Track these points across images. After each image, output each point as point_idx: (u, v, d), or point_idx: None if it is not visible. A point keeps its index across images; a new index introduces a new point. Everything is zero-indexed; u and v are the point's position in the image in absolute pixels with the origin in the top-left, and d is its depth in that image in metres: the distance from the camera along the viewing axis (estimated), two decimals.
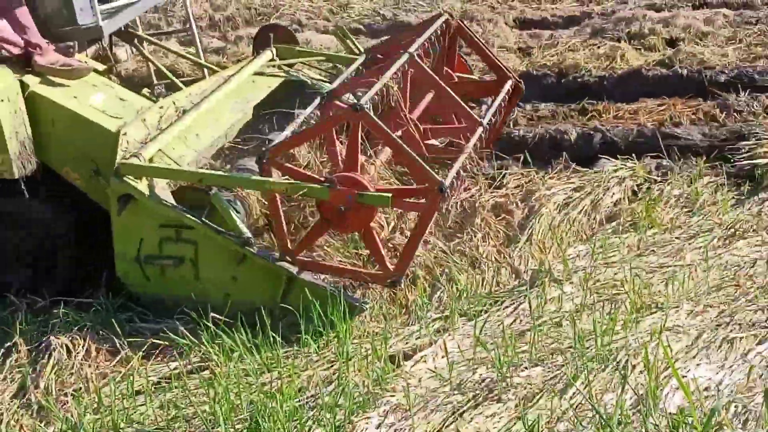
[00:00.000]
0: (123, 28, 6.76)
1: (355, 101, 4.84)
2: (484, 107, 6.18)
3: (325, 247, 5.39)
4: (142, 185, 4.97)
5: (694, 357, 4.21)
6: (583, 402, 3.89)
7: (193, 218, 4.94)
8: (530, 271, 5.36)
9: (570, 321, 4.62)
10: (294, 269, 4.96)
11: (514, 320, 4.82)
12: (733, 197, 6.15)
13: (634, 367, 4.09)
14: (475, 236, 5.69)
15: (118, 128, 5.22)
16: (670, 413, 3.67)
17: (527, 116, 7.92)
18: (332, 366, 4.48)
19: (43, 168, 5.39)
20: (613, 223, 6.00)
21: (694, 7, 10.56)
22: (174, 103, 5.72)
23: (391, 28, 10.75)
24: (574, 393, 3.96)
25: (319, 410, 4.04)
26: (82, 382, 4.60)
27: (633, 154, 6.83)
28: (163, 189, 5.10)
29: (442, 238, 5.71)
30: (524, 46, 9.84)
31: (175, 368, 4.62)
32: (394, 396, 4.14)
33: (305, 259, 5.07)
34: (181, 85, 7.21)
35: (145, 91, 7.30)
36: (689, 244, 5.55)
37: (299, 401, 4.17)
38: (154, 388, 4.53)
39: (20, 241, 5.67)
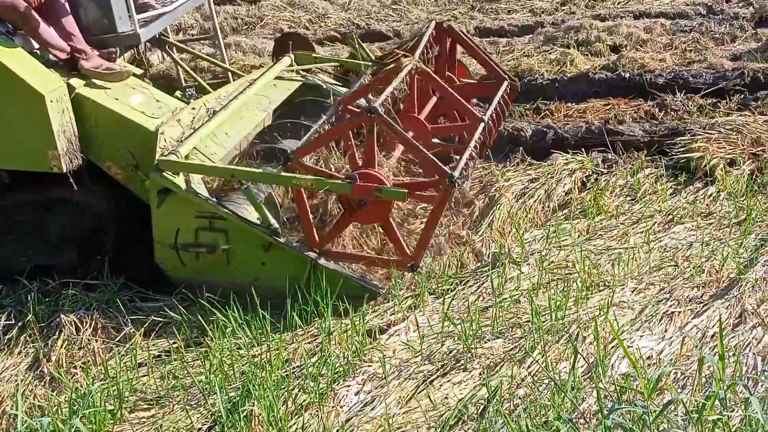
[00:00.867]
0: (156, 36, 6.73)
1: (369, 105, 4.83)
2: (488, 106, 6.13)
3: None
4: (179, 180, 4.94)
5: (637, 330, 4.24)
6: (539, 370, 3.92)
7: (224, 209, 4.92)
8: (492, 253, 5.36)
9: (527, 298, 4.64)
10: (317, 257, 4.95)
11: (478, 297, 4.82)
12: (671, 187, 6.15)
13: (584, 338, 4.12)
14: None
15: (156, 127, 5.22)
16: (617, 379, 3.71)
17: None
18: (315, 339, 4.49)
19: (88, 162, 5.37)
20: (565, 211, 6.01)
21: (635, 17, 10.56)
22: (204, 104, 5.71)
23: (364, 36, 10.74)
24: (531, 362, 3.99)
25: (304, 379, 4.05)
26: (90, 356, 4.59)
27: (582, 149, 6.83)
28: (198, 183, 5.08)
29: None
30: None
31: (173, 342, 4.62)
32: (371, 366, 4.15)
33: (333, 250, 5.06)
34: (208, 87, 7.21)
35: (178, 93, 7.27)
36: (633, 228, 5.57)
37: (286, 371, 4.18)
38: (155, 360, 4.53)
39: (68, 226, 5.68)
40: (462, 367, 4.07)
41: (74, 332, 4.74)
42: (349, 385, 4.00)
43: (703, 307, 4.41)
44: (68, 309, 4.98)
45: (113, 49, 5.82)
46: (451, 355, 4.18)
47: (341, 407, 3.85)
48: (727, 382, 3.44)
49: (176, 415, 3.99)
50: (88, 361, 4.55)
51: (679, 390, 3.65)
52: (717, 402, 3.23)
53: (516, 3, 11.97)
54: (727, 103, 7.52)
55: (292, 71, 6.64)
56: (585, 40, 9.69)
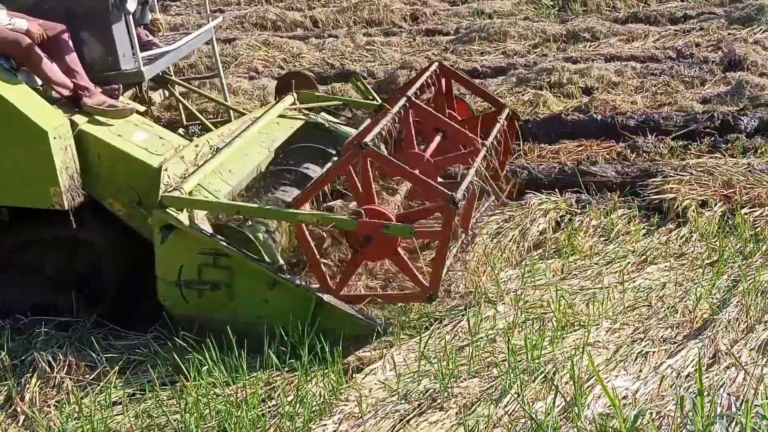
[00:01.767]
0: (159, 73, 6.74)
1: (360, 141, 4.87)
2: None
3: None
4: (183, 216, 4.91)
5: (613, 369, 4.26)
6: (516, 409, 3.92)
7: (229, 246, 4.89)
8: (467, 292, 5.37)
9: (503, 337, 4.65)
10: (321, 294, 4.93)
11: (454, 336, 4.82)
12: (644, 227, 6.20)
13: (561, 378, 4.13)
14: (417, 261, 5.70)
15: (160, 164, 5.21)
16: (596, 418, 3.72)
17: None
18: (292, 379, 4.47)
19: (90, 199, 5.34)
20: (540, 250, 6.02)
21: (606, 60, 10.68)
22: (208, 141, 5.71)
23: (338, 76, 10.80)
24: (508, 401, 3.99)
25: (280, 418, 4.03)
26: (64, 394, 4.54)
27: (555, 189, 6.88)
28: (202, 220, 5.06)
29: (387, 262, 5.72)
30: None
31: (148, 381, 4.58)
32: (347, 405, 4.14)
33: (348, 294, 5.04)
34: (209, 125, 7.28)
35: (181, 130, 7.27)
36: (606, 268, 5.60)
37: (262, 410, 4.15)
38: (130, 399, 4.48)
39: (67, 265, 5.64)
40: (439, 406, 4.06)
41: (48, 370, 4.69)
42: (325, 425, 3.99)
43: (677, 347, 4.44)
44: (41, 347, 4.93)
45: (116, 86, 5.82)
46: (427, 394, 4.17)
47: None
48: (704, 421, 3.46)
49: None
50: (62, 399, 4.51)
51: (657, 429, 3.66)
52: None
53: (489, 45, 12.07)
54: (697, 145, 7.63)
55: (295, 109, 6.67)
56: (557, 82, 9.78)
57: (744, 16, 11.96)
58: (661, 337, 4.58)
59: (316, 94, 7.03)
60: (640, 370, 4.24)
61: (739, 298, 4.91)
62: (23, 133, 5.02)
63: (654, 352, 4.40)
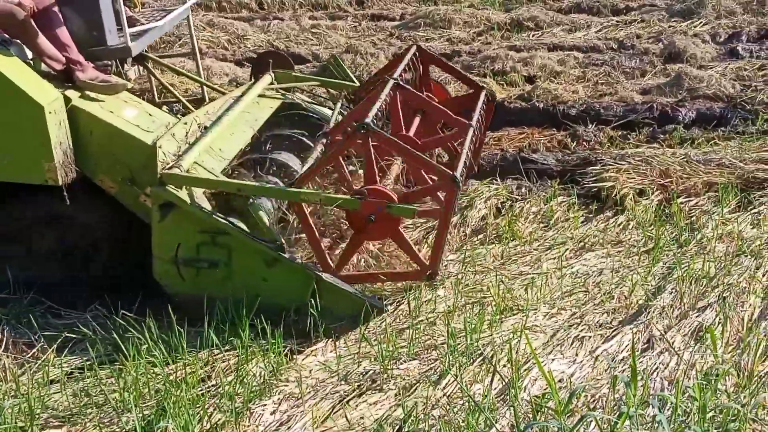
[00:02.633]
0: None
1: (361, 123, 4.86)
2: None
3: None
4: (182, 194, 4.85)
5: (550, 353, 4.33)
6: (455, 391, 3.97)
7: (229, 224, 4.85)
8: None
9: (443, 320, 4.70)
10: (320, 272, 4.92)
11: (395, 319, 4.86)
12: (583, 215, 6.31)
13: (499, 361, 4.19)
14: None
15: (154, 141, 5.12)
16: (533, 399, 3.78)
17: None
18: (232, 358, 4.46)
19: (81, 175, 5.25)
20: (481, 236, 6.09)
21: (549, 50, 10.79)
22: (195, 119, 5.65)
23: None
24: (447, 383, 4.04)
25: (220, 398, 4.03)
26: (1, 372, 4.48)
27: (497, 176, 6.97)
28: (201, 197, 5.00)
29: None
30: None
31: (87, 359, 4.54)
32: (287, 386, 4.15)
33: (348, 274, 5.05)
34: (186, 103, 7.22)
35: (165, 108, 7.17)
36: (545, 254, 5.69)
37: (202, 390, 4.15)
38: (68, 377, 4.44)
39: (58, 241, 5.53)
40: (378, 387, 4.09)
41: None
42: (265, 405, 3.99)
43: (612, 332, 4.53)
44: None
45: (108, 62, 5.75)
46: (367, 375, 4.21)
47: (257, 426, 3.85)
48: (637, 403, 3.54)
49: None
50: None
51: (591, 410, 3.73)
52: (627, 421, 3.31)
53: (434, 32, 12.13)
54: (636, 135, 7.77)
55: (273, 89, 6.65)
56: (501, 70, 9.89)
57: (684, 9, 12.18)
58: (597, 322, 4.66)
59: (293, 74, 7.01)
60: (577, 354, 4.32)
61: (673, 285, 5.02)
62: (18, 107, 4.89)
63: (590, 337, 4.48)
